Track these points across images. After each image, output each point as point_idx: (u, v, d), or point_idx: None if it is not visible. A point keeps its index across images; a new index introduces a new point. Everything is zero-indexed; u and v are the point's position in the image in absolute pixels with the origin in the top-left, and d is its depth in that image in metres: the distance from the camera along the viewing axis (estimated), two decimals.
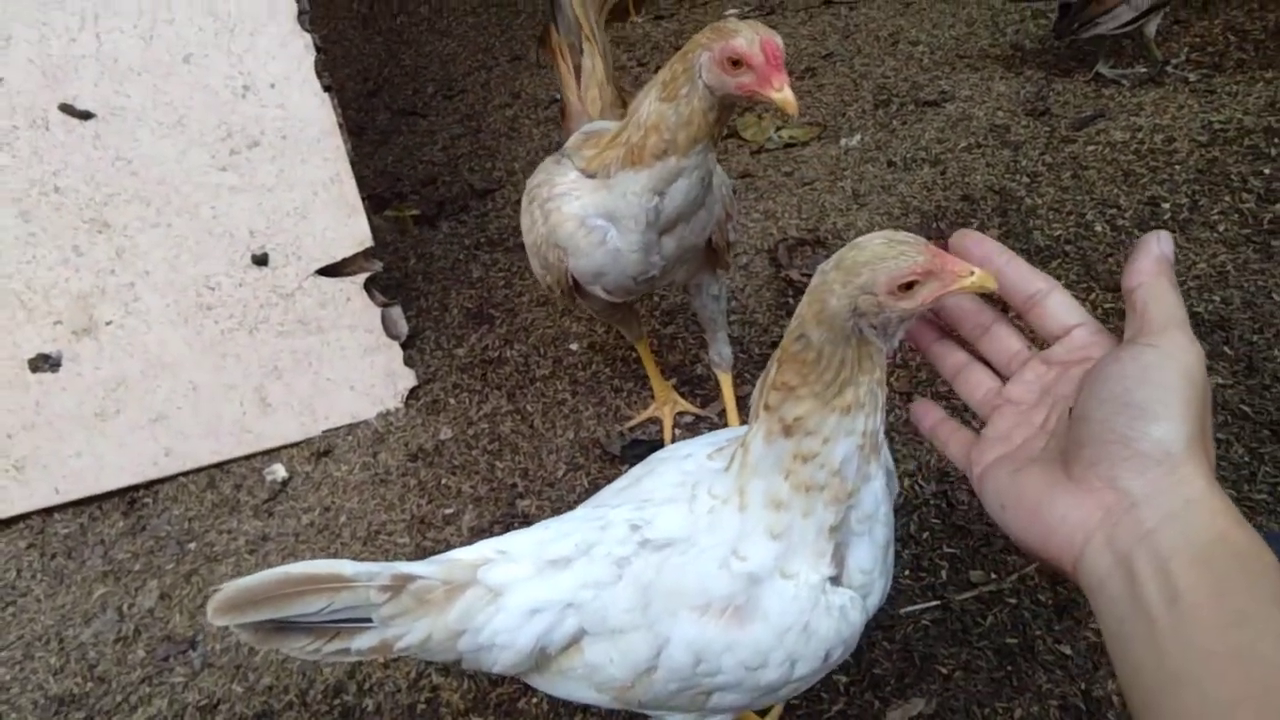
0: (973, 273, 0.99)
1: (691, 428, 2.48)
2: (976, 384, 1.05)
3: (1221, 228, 2.67)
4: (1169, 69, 3.44)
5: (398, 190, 3.97)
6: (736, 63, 1.49)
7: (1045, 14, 3.98)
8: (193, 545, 2.41)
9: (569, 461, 2.44)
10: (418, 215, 3.72)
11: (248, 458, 2.65)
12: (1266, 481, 1.97)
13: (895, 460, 2.17)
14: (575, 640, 1.23)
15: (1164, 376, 0.81)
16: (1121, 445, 0.82)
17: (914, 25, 4.36)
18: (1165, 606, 0.75)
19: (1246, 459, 2.02)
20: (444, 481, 2.45)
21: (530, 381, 2.74)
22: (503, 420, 2.61)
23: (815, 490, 1.12)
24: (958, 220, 2.96)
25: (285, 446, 2.67)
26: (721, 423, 2.44)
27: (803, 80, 4.09)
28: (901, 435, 2.28)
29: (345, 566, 1.17)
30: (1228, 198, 2.76)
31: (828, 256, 1.04)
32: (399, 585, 1.19)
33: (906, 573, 1.96)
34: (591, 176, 1.79)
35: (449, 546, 2.20)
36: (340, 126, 2.44)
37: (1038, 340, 1.03)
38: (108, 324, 2.44)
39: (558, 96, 2.54)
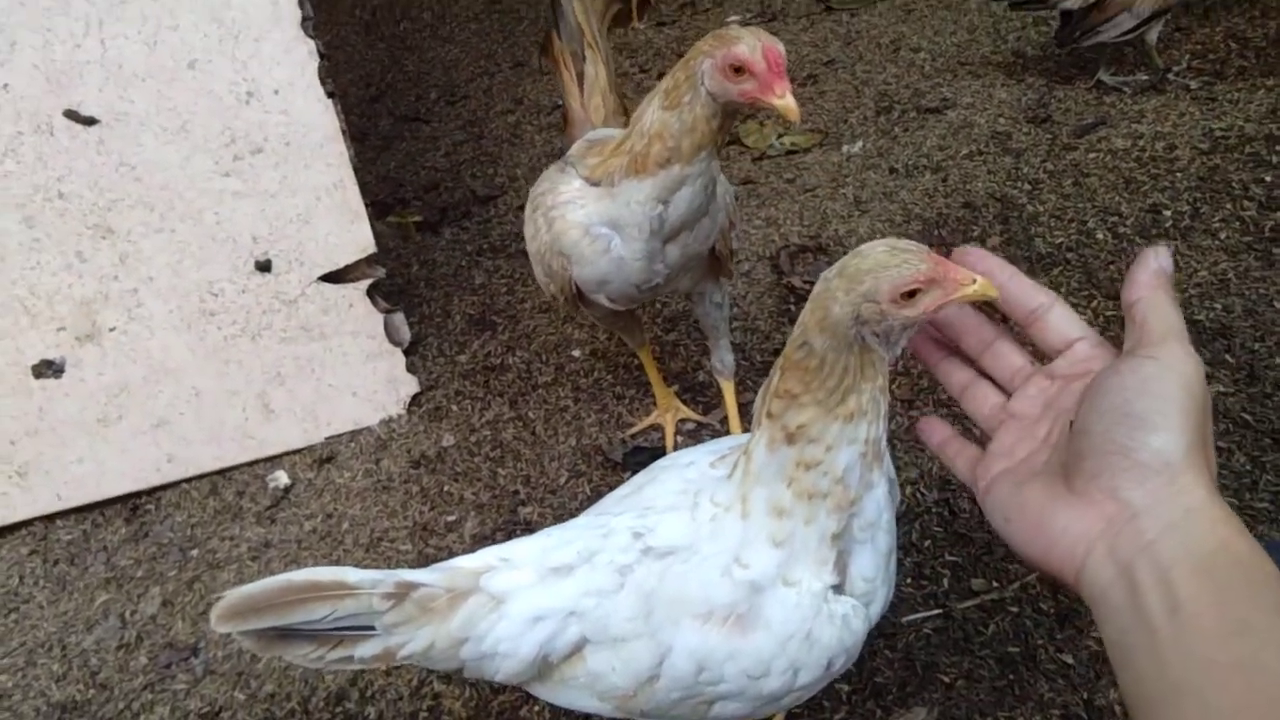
0: (975, 281, 0.99)
1: (693, 435, 2.48)
2: (982, 400, 1.06)
3: (1223, 235, 2.67)
4: (1170, 76, 3.45)
5: (400, 196, 3.97)
6: (739, 70, 1.49)
7: (1047, 21, 3.99)
8: (195, 552, 2.41)
9: (571, 468, 2.44)
10: (420, 221, 3.72)
11: (250, 464, 2.65)
12: (1268, 490, 1.97)
13: (897, 468, 2.17)
14: (577, 648, 1.23)
15: (1163, 388, 0.82)
16: (1121, 456, 0.82)
17: (915, 32, 4.37)
18: (1167, 616, 0.75)
19: (1248, 467, 2.02)
20: (446, 488, 2.45)
21: (532, 388, 2.74)
22: (505, 427, 2.61)
23: (818, 498, 1.12)
24: (959, 227, 2.96)
25: (288, 453, 2.67)
26: (723, 430, 2.44)
27: (804, 87, 4.10)
28: (903, 443, 2.28)
29: (348, 574, 1.18)
30: (1229, 205, 2.77)
31: (829, 263, 1.05)
32: (402, 593, 1.19)
33: (908, 580, 1.96)
34: (595, 185, 1.79)
35: (451, 554, 2.21)
36: (343, 132, 2.44)
37: (1041, 355, 1.03)
38: (111, 330, 2.44)
39: (560, 103, 2.55)
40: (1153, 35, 3.34)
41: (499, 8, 5.80)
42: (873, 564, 1.20)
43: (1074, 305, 2.51)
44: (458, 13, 5.82)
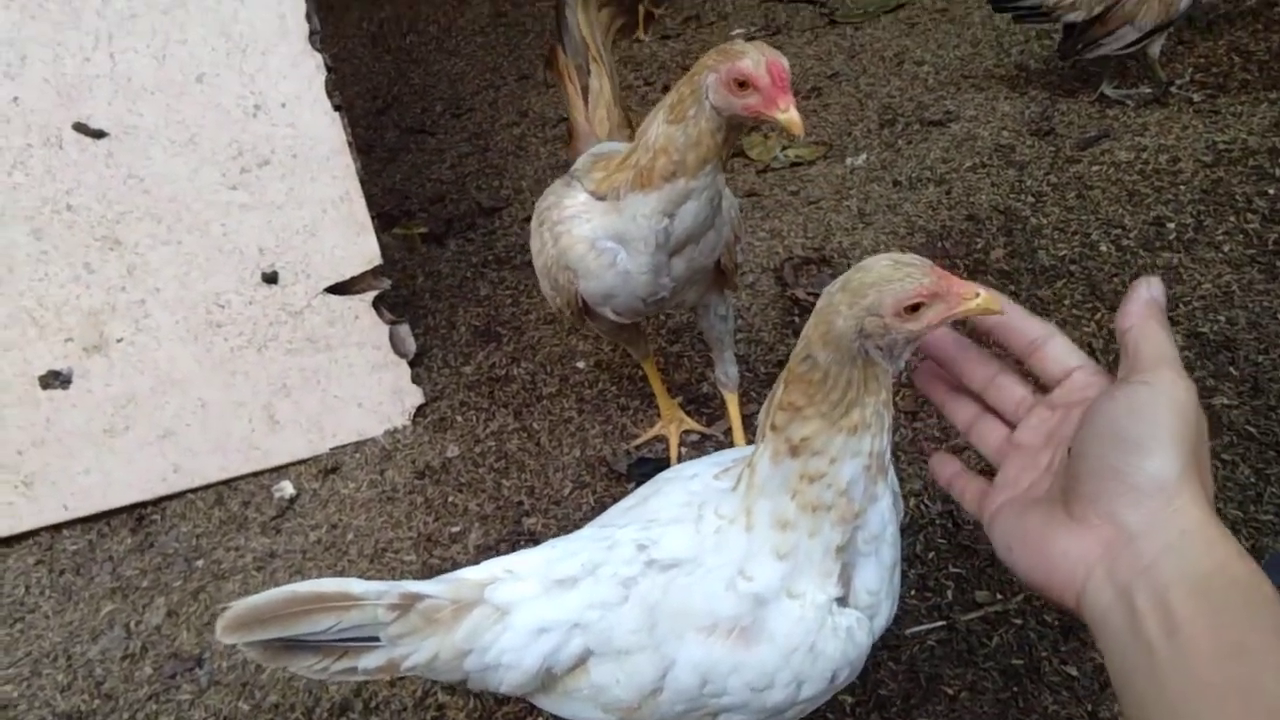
0: (978, 294, 1.00)
1: (697, 446, 2.49)
2: (989, 434, 1.07)
3: (1226, 248, 2.67)
4: (1173, 89, 3.45)
5: (406, 208, 3.99)
6: (743, 84, 1.50)
7: (1050, 34, 4.00)
8: (200, 562, 2.41)
9: (575, 479, 2.44)
10: (426, 233, 3.74)
11: (256, 475, 2.66)
12: (1273, 502, 1.97)
13: (901, 480, 2.17)
14: (581, 660, 1.23)
15: (1155, 412, 0.83)
16: (1117, 480, 0.84)
17: (919, 45, 4.39)
18: (1165, 638, 0.76)
19: (1253, 479, 2.02)
20: (451, 499, 2.46)
21: (537, 399, 2.74)
22: (509, 438, 2.62)
23: (822, 510, 1.12)
24: (963, 240, 2.97)
25: (293, 464, 2.68)
26: (727, 441, 2.44)
27: (808, 100, 4.11)
28: (907, 454, 2.28)
29: (353, 585, 1.18)
30: (1232, 218, 2.77)
31: (833, 275, 1.06)
32: (407, 604, 1.20)
33: (912, 592, 1.96)
34: (601, 199, 1.80)
35: (456, 564, 2.21)
36: (350, 145, 2.46)
37: (1043, 386, 1.05)
38: (118, 341, 2.45)
39: (565, 115, 2.56)
40: (1155, 49, 3.35)
41: (505, 21, 5.84)
42: (877, 577, 1.20)
43: (1078, 317, 2.53)
44: (464, 26, 5.86)
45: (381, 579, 1.25)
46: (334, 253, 2.54)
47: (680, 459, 2.43)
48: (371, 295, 2.62)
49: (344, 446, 2.70)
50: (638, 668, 1.20)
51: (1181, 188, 2.95)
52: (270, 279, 2.51)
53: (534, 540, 2.24)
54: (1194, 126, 3.23)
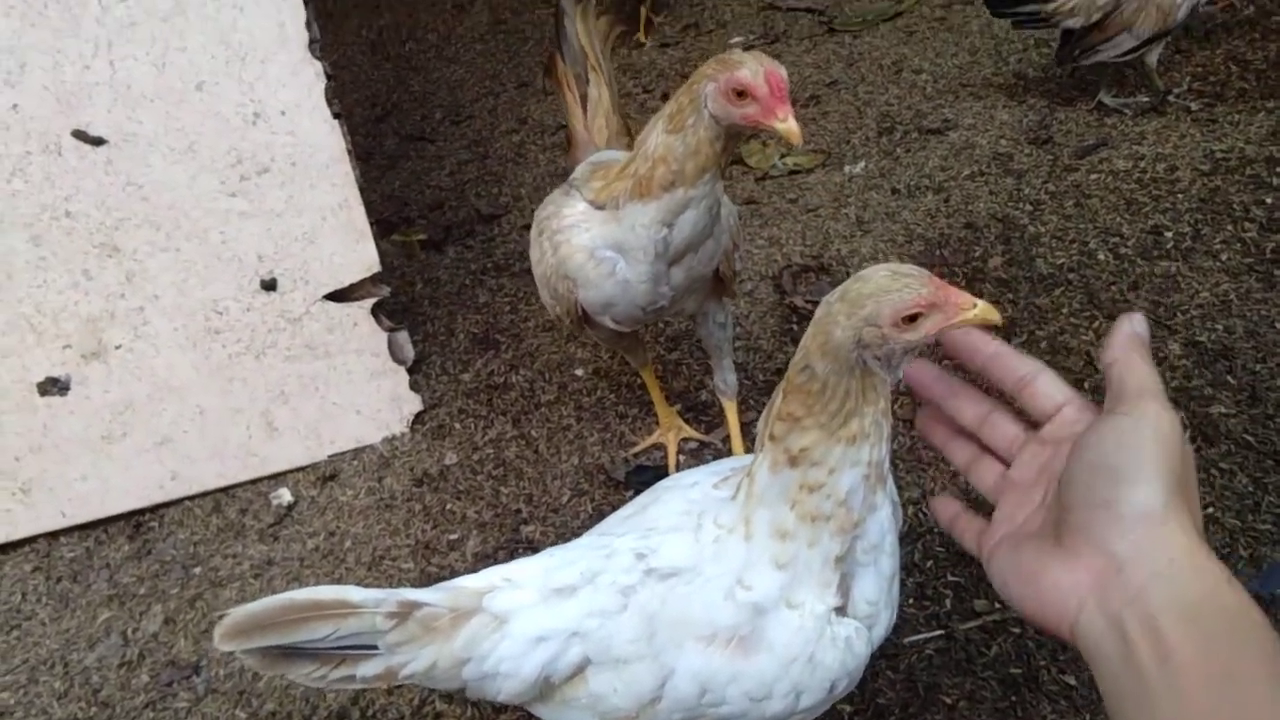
0: (975, 305, 1.00)
1: (696, 454, 2.48)
2: (985, 473, 1.08)
3: (1224, 257, 2.68)
4: (1171, 98, 3.47)
5: (405, 215, 3.99)
6: (741, 94, 1.51)
7: (1048, 44, 4.01)
8: (198, 570, 2.41)
9: (573, 487, 2.44)
10: (425, 240, 3.74)
11: (253, 482, 2.65)
12: (1271, 511, 1.97)
13: (899, 488, 2.17)
14: (580, 669, 1.23)
15: (1140, 443, 0.85)
16: (1104, 509, 0.85)
17: (917, 54, 4.40)
18: (1157, 666, 0.77)
19: (1251, 489, 2.02)
20: (449, 507, 2.46)
21: (535, 407, 2.74)
22: (508, 445, 2.62)
23: (821, 520, 1.12)
24: (961, 248, 2.97)
25: (291, 471, 2.67)
26: (726, 449, 2.44)
27: (807, 108, 4.12)
28: (905, 463, 2.28)
29: (351, 593, 1.18)
30: (1230, 227, 2.78)
31: (832, 283, 1.06)
32: (405, 612, 1.19)
33: (910, 601, 1.96)
34: (600, 208, 1.80)
35: (454, 572, 2.21)
36: (349, 152, 2.46)
37: (1034, 422, 1.05)
38: (117, 348, 2.45)
39: (564, 123, 2.56)
40: (1153, 57, 3.37)
41: (504, 29, 5.85)
42: (876, 587, 1.20)
43: (1075, 325, 2.54)
44: (463, 34, 5.87)
45: (379, 587, 1.25)
46: (333, 260, 2.54)
47: (679, 467, 2.43)
48: (370, 302, 2.62)
49: (342, 454, 2.70)
50: (636, 677, 1.20)
51: (1179, 196, 2.96)
52: (269, 286, 2.51)
53: (532, 548, 2.24)
54: (1191, 135, 3.24)
